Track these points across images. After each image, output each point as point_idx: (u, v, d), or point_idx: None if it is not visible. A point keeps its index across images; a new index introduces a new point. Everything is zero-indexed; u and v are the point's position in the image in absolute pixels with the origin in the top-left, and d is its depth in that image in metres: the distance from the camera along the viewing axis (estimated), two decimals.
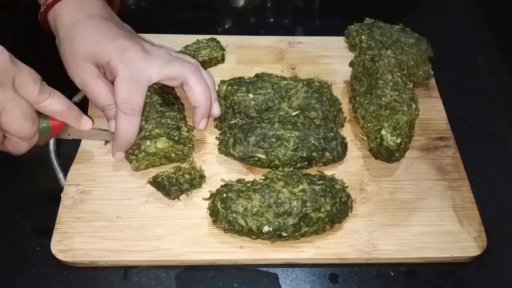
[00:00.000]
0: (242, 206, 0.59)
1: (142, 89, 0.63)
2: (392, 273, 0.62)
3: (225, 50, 0.80)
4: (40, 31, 0.69)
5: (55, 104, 0.56)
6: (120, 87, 0.62)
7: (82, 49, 0.63)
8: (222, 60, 0.79)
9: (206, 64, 0.77)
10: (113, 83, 0.64)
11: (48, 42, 0.68)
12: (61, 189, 0.65)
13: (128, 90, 0.62)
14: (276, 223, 0.59)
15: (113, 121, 0.64)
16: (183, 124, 0.68)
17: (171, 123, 0.66)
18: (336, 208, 0.61)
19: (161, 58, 0.65)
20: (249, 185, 0.62)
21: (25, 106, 0.53)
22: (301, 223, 0.59)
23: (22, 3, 0.88)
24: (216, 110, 0.69)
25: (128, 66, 0.62)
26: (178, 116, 0.67)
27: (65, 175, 0.66)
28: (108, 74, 0.64)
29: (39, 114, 0.56)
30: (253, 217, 0.59)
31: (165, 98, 0.68)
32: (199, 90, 0.65)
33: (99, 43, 0.63)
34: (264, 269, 0.61)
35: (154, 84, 0.68)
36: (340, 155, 0.67)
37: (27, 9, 0.86)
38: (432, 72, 0.76)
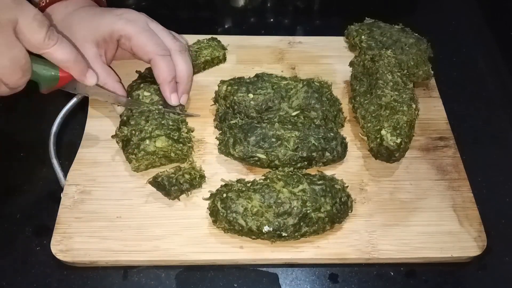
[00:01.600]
0: (242, 206, 0.59)
1: (157, 33, 0.67)
2: (392, 273, 0.62)
3: (227, 49, 0.80)
4: None
5: (61, 52, 0.54)
6: (144, 38, 0.65)
7: (81, 31, 0.64)
8: (224, 59, 0.79)
9: (208, 64, 0.77)
10: (110, 67, 0.67)
11: None
12: (61, 189, 0.65)
13: (152, 37, 0.65)
14: (276, 223, 0.59)
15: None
16: (184, 125, 0.68)
17: (171, 123, 0.66)
18: (336, 208, 0.61)
19: (156, 24, 0.69)
20: (249, 185, 0.62)
21: (19, 54, 0.50)
22: (301, 223, 0.59)
23: None
24: (174, 100, 0.69)
25: (133, 22, 0.65)
26: (178, 117, 0.67)
27: (65, 175, 0.66)
28: (111, 46, 0.67)
29: (49, 62, 0.54)
30: (253, 217, 0.59)
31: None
32: (184, 67, 0.69)
33: (96, 19, 0.65)
34: (264, 269, 0.61)
35: (154, 84, 0.69)
36: (340, 155, 0.67)
37: None
38: (432, 72, 0.76)
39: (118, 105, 0.68)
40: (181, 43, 0.70)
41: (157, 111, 0.66)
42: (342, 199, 0.62)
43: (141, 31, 0.66)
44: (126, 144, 0.65)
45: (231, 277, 0.60)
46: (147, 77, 0.71)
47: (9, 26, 0.48)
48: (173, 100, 0.68)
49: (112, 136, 0.67)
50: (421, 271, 0.62)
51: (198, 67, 0.76)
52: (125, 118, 0.67)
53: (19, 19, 0.49)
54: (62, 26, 0.66)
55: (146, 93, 0.68)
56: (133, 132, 0.64)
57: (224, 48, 0.79)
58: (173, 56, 0.68)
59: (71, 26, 0.65)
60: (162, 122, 0.65)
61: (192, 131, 0.69)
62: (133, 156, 0.64)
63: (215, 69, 0.78)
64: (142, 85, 0.70)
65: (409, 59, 0.74)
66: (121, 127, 0.66)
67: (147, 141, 0.63)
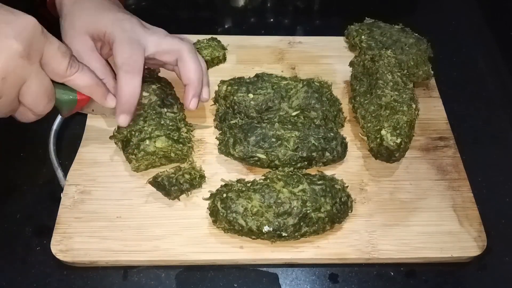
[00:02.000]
0: (242, 206, 0.59)
1: (141, 51, 0.63)
2: (392, 273, 0.62)
3: (227, 49, 0.80)
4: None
5: (84, 78, 0.57)
6: (119, 48, 0.62)
7: (80, 22, 0.64)
8: (224, 59, 0.79)
9: (208, 64, 0.77)
10: (108, 62, 0.65)
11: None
12: (61, 189, 0.65)
13: (128, 49, 0.62)
14: (276, 223, 0.59)
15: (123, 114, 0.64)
16: (183, 125, 0.68)
17: (170, 124, 0.66)
18: (336, 208, 0.61)
19: (159, 33, 0.66)
20: (249, 185, 0.62)
21: (46, 83, 0.53)
22: (301, 223, 0.59)
23: None
24: (205, 94, 0.69)
25: (125, 31, 0.63)
26: (177, 117, 0.67)
27: (65, 175, 0.66)
28: (105, 47, 0.66)
29: (67, 87, 0.57)
30: (253, 217, 0.59)
31: (163, 99, 0.68)
32: (193, 67, 0.66)
33: (97, 15, 0.64)
34: (264, 269, 0.61)
35: (153, 84, 0.69)
36: (340, 155, 0.67)
37: None
38: (432, 72, 0.76)
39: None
40: (189, 43, 0.68)
41: (154, 112, 0.66)
42: (342, 199, 0.62)
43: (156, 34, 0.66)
44: (126, 145, 0.65)
45: (231, 277, 0.60)
46: (146, 77, 0.71)
47: (37, 57, 0.51)
48: (192, 105, 0.67)
49: (110, 137, 0.67)
50: (421, 271, 0.62)
51: None
52: None
53: (45, 50, 0.52)
54: (67, 11, 0.66)
55: (145, 93, 0.68)
56: (133, 132, 0.64)
57: (224, 48, 0.79)
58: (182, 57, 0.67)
59: (74, 14, 0.65)
60: (161, 122, 0.65)
61: (192, 131, 0.69)
62: (133, 156, 0.64)
63: (215, 69, 0.79)
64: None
65: (409, 59, 0.74)
66: (120, 128, 0.66)
67: (147, 142, 0.63)
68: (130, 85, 0.62)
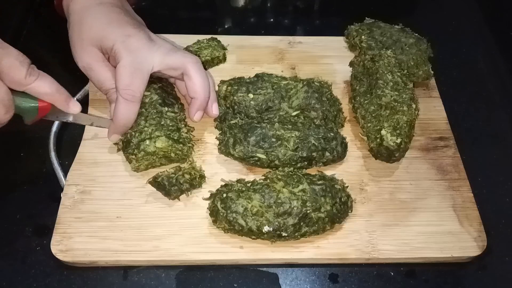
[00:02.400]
0: (242, 206, 0.59)
1: (144, 77, 0.64)
2: (392, 273, 0.62)
3: (227, 49, 0.80)
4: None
5: (44, 86, 0.57)
6: (121, 73, 0.62)
7: (89, 33, 0.64)
8: (224, 59, 0.79)
9: (208, 64, 0.77)
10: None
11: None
12: (61, 189, 0.65)
13: (129, 77, 0.62)
14: (276, 223, 0.59)
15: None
16: (183, 125, 0.68)
17: (170, 124, 0.66)
18: (336, 208, 0.61)
19: (164, 48, 0.66)
20: (249, 185, 0.62)
21: (2, 93, 0.54)
22: (301, 223, 0.59)
23: None
24: (215, 110, 0.69)
25: (131, 52, 0.63)
26: (177, 117, 0.67)
27: (65, 175, 0.66)
28: (112, 60, 0.65)
29: (29, 95, 0.57)
30: (253, 217, 0.59)
31: (164, 98, 0.68)
32: (199, 81, 0.66)
33: (105, 28, 0.64)
34: (264, 269, 0.61)
35: (154, 84, 0.69)
36: (340, 155, 0.67)
37: None
38: (432, 72, 0.76)
39: (101, 127, 0.67)
40: (195, 57, 0.68)
41: (155, 111, 0.66)
42: (342, 199, 0.62)
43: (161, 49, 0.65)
44: (126, 145, 0.65)
45: (231, 277, 0.60)
46: None
47: None
48: (196, 117, 0.68)
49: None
50: (421, 271, 0.62)
51: None
52: None
53: (2, 60, 0.53)
54: (75, 18, 0.65)
55: (146, 93, 0.68)
56: (133, 133, 0.64)
57: (224, 48, 0.79)
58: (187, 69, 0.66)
59: (82, 24, 0.64)
60: (162, 123, 0.65)
61: (192, 131, 0.69)
62: (133, 157, 0.64)
63: (215, 69, 0.78)
64: None
65: (409, 59, 0.74)
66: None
67: (147, 142, 0.63)
68: (127, 111, 0.63)
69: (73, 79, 0.70)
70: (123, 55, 0.62)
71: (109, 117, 0.67)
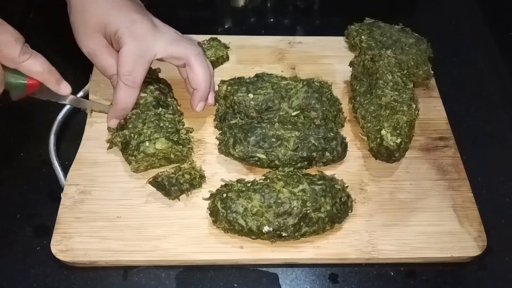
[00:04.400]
0: (242, 206, 0.59)
1: (145, 64, 0.64)
2: (392, 273, 0.62)
3: (229, 48, 0.80)
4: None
5: (36, 65, 0.58)
6: (124, 59, 0.62)
7: (92, 19, 0.64)
8: (227, 58, 0.79)
9: (213, 64, 0.77)
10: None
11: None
12: (61, 189, 0.65)
13: (131, 63, 0.63)
14: (276, 223, 0.59)
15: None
16: (181, 126, 0.68)
17: (169, 126, 0.65)
18: (336, 208, 0.61)
19: (168, 35, 0.66)
20: (249, 185, 0.62)
21: None
22: (301, 223, 0.59)
23: None
24: (211, 99, 0.70)
25: (134, 39, 0.63)
26: (176, 119, 0.67)
27: (65, 175, 0.66)
28: (115, 44, 0.65)
29: (18, 71, 0.58)
30: (253, 217, 0.59)
31: (161, 99, 0.68)
32: (202, 73, 0.66)
33: (109, 14, 0.64)
34: (264, 269, 0.61)
35: (151, 85, 0.69)
36: (340, 155, 0.67)
37: None
38: (432, 72, 0.76)
39: (91, 111, 0.68)
40: (197, 47, 0.68)
41: (153, 113, 0.66)
42: (342, 199, 0.62)
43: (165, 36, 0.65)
44: (126, 146, 0.64)
45: (231, 277, 0.60)
46: (146, 77, 0.70)
47: None
48: (198, 108, 0.68)
49: (107, 141, 0.67)
50: (421, 271, 0.62)
51: None
52: (122, 121, 0.66)
53: None
54: (76, 3, 0.65)
55: (142, 94, 0.68)
56: (132, 135, 0.64)
57: (226, 47, 0.80)
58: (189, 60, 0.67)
59: (85, 9, 0.64)
60: (160, 125, 0.65)
61: (191, 132, 0.69)
62: (133, 158, 0.64)
63: (215, 69, 0.78)
64: None
65: (409, 59, 0.74)
66: (117, 132, 0.66)
67: (147, 143, 0.63)
68: (127, 97, 0.64)
69: (73, 79, 0.70)
70: (127, 41, 0.62)
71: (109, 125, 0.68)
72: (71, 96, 0.65)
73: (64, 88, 0.62)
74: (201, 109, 0.68)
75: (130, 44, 0.62)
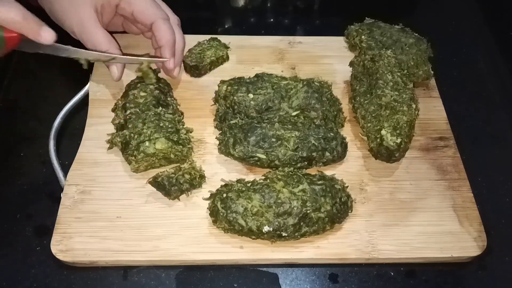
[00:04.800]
0: (242, 206, 0.59)
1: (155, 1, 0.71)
2: (392, 273, 0.62)
3: (229, 48, 0.80)
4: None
5: (8, 13, 0.54)
6: (149, 5, 0.69)
7: None
8: (227, 57, 0.79)
9: (213, 64, 0.77)
10: (109, 33, 0.68)
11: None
12: (61, 189, 0.65)
13: (152, 2, 0.68)
14: (276, 223, 0.59)
15: (114, 66, 0.70)
16: (181, 126, 0.68)
17: (169, 126, 0.65)
18: (336, 208, 0.61)
19: None
20: (249, 185, 0.62)
21: None
22: (301, 223, 0.59)
23: None
24: (176, 73, 0.73)
25: None
26: (175, 119, 0.67)
27: (65, 175, 0.66)
28: (108, 11, 0.68)
29: None
30: (253, 217, 0.59)
31: (161, 99, 0.68)
32: (167, 30, 0.70)
33: None
34: (264, 269, 0.61)
35: (151, 85, 0.69)
36: (340, 155, 0.67)
37: None
38: (432, 72, 0.76)
39: (87, 61, 0.67)
40: (176, 17, 0.74)
41: (153, 113, 0.66)
42: (342, 199, 0.62)
43: None
44: (125, 147, 0.64)
45: (231, 277, 0.60)
46: None
47: None
48: (171, 63, 0.71)
49: (107, 141, 0.67)
50: (421, 271, 0.62)
51: (204, 69, 0.76)
52: (122, 121, 0.67)
53: None
54: None
55: (142, 93, 0.68)
56: (132, 135, 0.64)
57: (226, 47, 0.79)
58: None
59: None
60: (160, 124, 0.65)
61: (191, 132, 0.69)
62: (133, 158, 0.64)
63: (215, 69, 0.78)
64: (139, 85, 0.70)
65: (409, 59, 0.74)
66: (117, 132, 0.66)
67: (147, 143, 0.63)
68: (171, 29, 0.70)
69: (73, 79, 0.70)
70: None
71: (113, 80, 0.71)
72: (59, 45, 0.60)
73: (45, 36, 0.56)
74: (177, 74, 0.72)
75: None
